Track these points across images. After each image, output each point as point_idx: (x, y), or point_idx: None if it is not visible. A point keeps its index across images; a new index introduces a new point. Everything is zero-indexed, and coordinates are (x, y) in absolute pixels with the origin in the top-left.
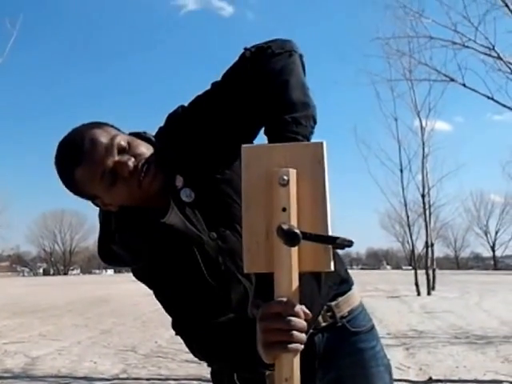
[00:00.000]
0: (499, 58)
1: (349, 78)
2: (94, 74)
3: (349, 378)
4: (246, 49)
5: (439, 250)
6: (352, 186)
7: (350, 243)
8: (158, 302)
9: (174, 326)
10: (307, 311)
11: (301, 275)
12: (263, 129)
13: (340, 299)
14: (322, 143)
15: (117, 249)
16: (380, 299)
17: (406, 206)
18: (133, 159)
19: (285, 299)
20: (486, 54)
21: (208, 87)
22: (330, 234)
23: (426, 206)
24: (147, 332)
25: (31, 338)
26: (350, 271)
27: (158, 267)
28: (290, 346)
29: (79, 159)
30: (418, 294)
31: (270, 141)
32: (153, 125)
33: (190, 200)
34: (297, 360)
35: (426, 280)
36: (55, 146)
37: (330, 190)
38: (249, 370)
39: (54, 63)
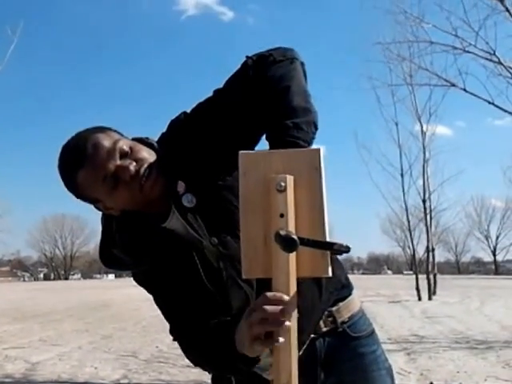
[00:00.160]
0: (500, 62)
1: (349, 83)
2: (95, 81)
3: (350, 383)
4: (248, 57)
5: (440, 255)
6: (353, 190)
7: (347, 249)
8: (157, 307)
9: (172, 331)
10: (284, 297)
11: (302, 281)
12: (265, 135)
13: (341, 304)
14: (318, 150)
15: (118, 252)
16: (381, 304)
17: (406, 210)
18: (134, 164)
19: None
20: (486, 59)
21: (210, 94)
22: (328, 239)
23: (427, 211)
24: (148, 337)
25: (31, 344)
26: (350, 276)
27: (158, 271)
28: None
29: (82, 163)
30: (419, 298)
31: (271, 146)
32: (153, 130)
33: (192, 205)
34: (295, 365)
35: (427, 285)
36: (56, 151)
37: (328, 195)
38: (230, 367)
39: (53, 71)
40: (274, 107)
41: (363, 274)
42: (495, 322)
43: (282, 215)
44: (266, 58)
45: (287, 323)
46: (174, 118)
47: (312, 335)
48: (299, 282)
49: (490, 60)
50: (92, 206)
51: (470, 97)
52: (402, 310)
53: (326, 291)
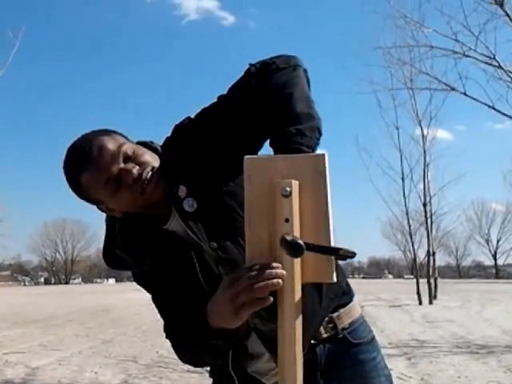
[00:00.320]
0: (500, 67)
1: (350, 87)
2: (96, 84)
3: None
4: (251, 64)
5: (441, 259)
6: (354, 194)
7: (352, 254)
8: (154, 306)
9: (166, 328)
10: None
11: (303, 286)
12: (268, 142)
13: (341, 311)
14: (323, 155)
15: (120, 253)
16: (382, 308)
17: (407, 214)
18: (137, 167)
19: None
20: (486, 63)
21: (214, 100)
22: (333, 244)
23: (428, 215)
24: (148, 342)
25: (32, 348)
26: (351, 280)
27: (158, 271)
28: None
29: (86, 164)
30: (420, 303)
31: (275, 152)
32: (155, 133)
33: (192, 210)
34: (300, 374)
35: (428, 289)
36: (58, 155)
37: (332, 200)
38: (209, 350)
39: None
40: (277, 114)
41: (364, 278)
42: (496, 326)
43: (287, 220)
44: (269, 66)
45: (274, 281)
46: (178, 122)
47: (312, 341)
48: (302, 286)
49: (490, 64)
50: (93, 210)
51: (470, 101)
52: (402, 314)
53: (326, 297)
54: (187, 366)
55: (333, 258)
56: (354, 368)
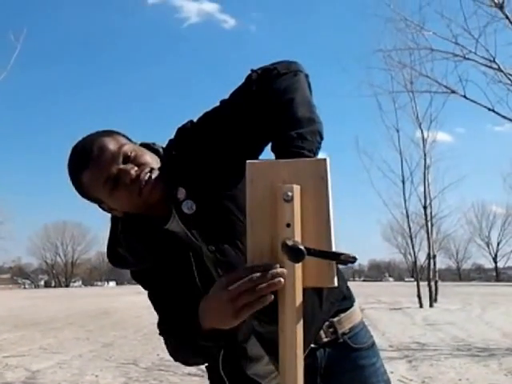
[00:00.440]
0: (500, 69)
1: (351, 90)
2: (97, 88)
3: None
4: (252, 70)
5: (441, 262)
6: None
7: (353, 259)
8: (150, 302)
9: (159, 324)
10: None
11: (303, 290)
12: (270, 146)
13: (342, 315)
14: (325, 159)
15: (122, 251)
16: (382, 311)
17: (408, 217)
18: (136, 168)
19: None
20: (486, 66)
21: (216, 103)
22: (334, 249)
23: (428, 218)
24: (149, 345)
25: (32, 352)
26: (351, 283)
27: (157, 269)
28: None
29: (87, 164)
30: (421, 306)
31: (276, 157)
32: (154, 136)
33: (191, 212)
34: (300, 376)
35: (429, 292)
36: (58, 158)
37: (334, 205)
38: (199, 351)
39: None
40: (278, 119)
41: (364, 281)
42: (496, 329)
43: (288, 225)
44: (270, 72)
45: (276, 280)
46: (181, 125)
47: (313, 345)
48: (303, 290)
49: (490, 67)
50: (93, 213)
51: (470, 103)
52: (403, 317)
53: (326, 301)
54: (188, 369)
55: (334, 262)
56: (354, 373)
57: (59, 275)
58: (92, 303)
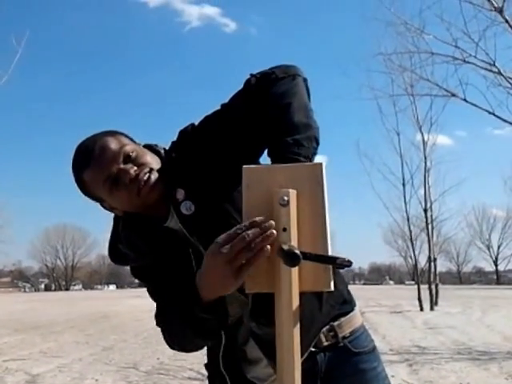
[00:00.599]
0: (500, 73)
1: (351, 93)
2: (98, 91)
3: None
4: (251, 75)
5: (442, 265)
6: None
7: (349, 263)
8: (149, 296)
9: (157, 315)
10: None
11: (300, 294)
12: (267, 152)
13: (342, 319)
14: (321, 164)
15: (123, 248)
16: (383, 315)
17: (408, 220)
18: (135, 168)
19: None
20: (486, 70)
21: (217, 107)
22: (330, 253)
23: (429, 221)
24: (149, 348)
25: (32, 355)
26: (352, 286)
27: (157, 265)
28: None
29: (88, 162)
30: (421, 309)
31: (272, 162)
32: (154, 139)
33: (190, 213)
34: (298, 381)
35: (429, 295)
36: (60, 162)
37: (330, 208)
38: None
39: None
40: (275, 124)
41: (365, 284)
42: (497, 332)
43: (284, 229)
44: (269, 76)
45: (268, 232)
46: (182, 128)
47: (313, 349)
48: (300, 294)
49: (490, 70)
50: (93, 216)
51: (470, 106)
52: (403, 320)
53: (326, 303)
54: (188, 373)
55: (330, 267)
56: (355, 377)
57: (59, 279)
58: (92, 307)
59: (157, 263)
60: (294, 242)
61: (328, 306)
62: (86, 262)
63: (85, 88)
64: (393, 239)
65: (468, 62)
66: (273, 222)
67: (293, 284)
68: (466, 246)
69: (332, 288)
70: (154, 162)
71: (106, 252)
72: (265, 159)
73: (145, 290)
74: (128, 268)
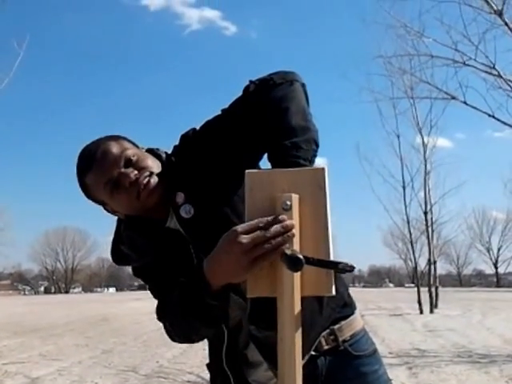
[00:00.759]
0: (500, 76)
1: (351, 96)
2: (98, 95)
3: None
4: (250, 81)
5: (442, 268)
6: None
7: (351, 268)
8: (150, 293)
9: (158, 309)
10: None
11: (302, 298)
12: (267, 157)
13: (343, 323)
14: (323, 169)
15: (125, 249)
16: (382, 317)
17: (408, 223)
18: (135, 172)
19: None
20: (486, 72)
21: (217, 111)
22: (332, 258)
23: (429, 223)
24: (148, 352)
25: (31, 358)
26: (351, 289)
27: (158, 262)
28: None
29: (90, 166)
30: (421, 312)
31: (273, 166)
32: (155, 142)
33: (189, 216)
34: (300, 382)
35: (429, 298)
36: (60, 166)
37: (332, 212)
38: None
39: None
40: (273, 128)
41: (364, 286)
42: (497, 335)
43: None
44: (267, 82)
45: (290, 233)
46: (184, 132)
47: (313, 353)
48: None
49: (490, 73)
50: (93, 219)
51: (470, 109)
52: (403, 323)
53: (327, 306)
54: (188, 377)
55: (332, 271)
56: (356, 380)
57: (59, 281)
58: (92, 309)
59: (158, 261)
60: (297, 247)
61: (329, 309)
62: (85, 264)
63: (85, 92)
64: (393, 242)
65: (468, 65)
66: (294, 222)
67: (295, 288)
68: (466, 248)
69: (334, 293)
70: (154, 165)
71: (105, 255)
72: (264, 163)
73: (145, 292)
74: (128, 271)
